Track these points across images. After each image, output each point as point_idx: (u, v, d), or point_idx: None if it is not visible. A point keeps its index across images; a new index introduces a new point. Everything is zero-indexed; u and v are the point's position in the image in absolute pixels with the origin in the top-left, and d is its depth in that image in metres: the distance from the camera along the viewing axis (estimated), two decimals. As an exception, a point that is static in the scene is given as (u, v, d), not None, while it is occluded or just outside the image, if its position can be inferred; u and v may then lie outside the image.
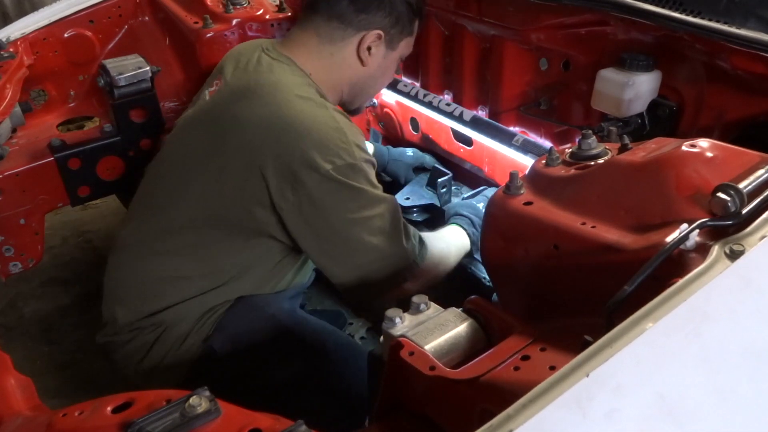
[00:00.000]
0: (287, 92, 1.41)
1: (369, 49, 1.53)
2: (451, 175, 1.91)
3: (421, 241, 1.45)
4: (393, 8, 1.52)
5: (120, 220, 2.20)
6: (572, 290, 1.00)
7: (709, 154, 0.95)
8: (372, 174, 1.41)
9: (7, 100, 1.71)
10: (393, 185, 2.04)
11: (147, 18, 2.32)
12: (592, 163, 1.05)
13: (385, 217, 1.38)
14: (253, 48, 1.58)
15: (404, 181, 2.03)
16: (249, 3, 2.10)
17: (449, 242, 1.58)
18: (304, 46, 1.53)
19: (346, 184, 1.34)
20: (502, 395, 0.78)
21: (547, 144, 1.72)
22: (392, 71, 1.68)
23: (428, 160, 2.06)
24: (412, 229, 1.45)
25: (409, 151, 2.09)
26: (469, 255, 1.63)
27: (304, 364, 1.42)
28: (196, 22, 2.06)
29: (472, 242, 1.63)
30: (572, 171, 1.06)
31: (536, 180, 1.10)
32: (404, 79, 2.12)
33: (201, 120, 1.53)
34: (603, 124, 1.46)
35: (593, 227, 0.96)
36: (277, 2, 2.09)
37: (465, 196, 1.88)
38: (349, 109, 1.65)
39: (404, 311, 1.01)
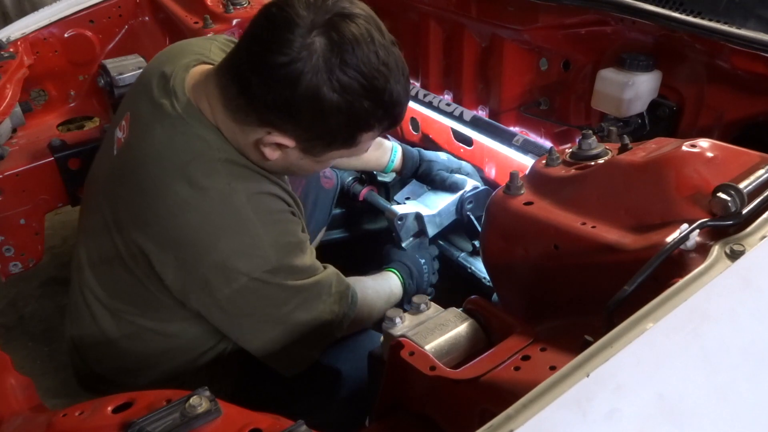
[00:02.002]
0: (182, 185, 1.13)
1: (279, 146, 1.15)
2: (480, 188, 1.75)
3: (353, 300, 1.32)
4: (323, 123, 1.10)
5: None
6: (572, 290, 1.00)
7: (709, 154, 0.95)
8: (298, 248, 1.22)
9: (7, 100, 1.71)
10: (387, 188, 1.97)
11: (147, 18, 2.32)
12: (592, 163, 1.05)
13: (315, 298, 1.24)
14: (163, 75, 1.23)
15: (435, 185, 1.83)
16: (249, 3, 2.10)
17: (379, 293, 1.46)
18: (215, 106, 1.17)
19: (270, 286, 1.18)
20: (503, 395, 0.78)
21: (547, 144, 1.72)
22: (321, 166, 1.28)
23: (466, 167, 1.81)
24: (346, 287, 1.31)
25: (443, 155, 1.86)
26: (398, 304, 1.54)
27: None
28: (196, 22, 2.06)
29: (406, 293, 1.54)
30: (572, 171, 1.06)
31: (536, 180, 1.10)
32: (404, 79, 2.12)
33: (110, 178, 1.28)
34: (603, 124, 1.46)
35: (593, 227, 0.96)
36: (277, 2, 2.09)
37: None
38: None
39: (404, 311, 1.01)
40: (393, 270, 1.57)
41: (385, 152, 1.78)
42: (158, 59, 1.34)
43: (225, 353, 1.37)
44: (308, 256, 1.26)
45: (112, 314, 1.31)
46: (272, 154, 1.16)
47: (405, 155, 1.81)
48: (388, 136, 2.12)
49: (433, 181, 1.80)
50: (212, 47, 1.33)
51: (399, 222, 1.70)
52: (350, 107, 1.08)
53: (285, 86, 1.05)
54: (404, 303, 1.55)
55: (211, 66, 1.24)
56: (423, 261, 1.65)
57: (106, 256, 1.28)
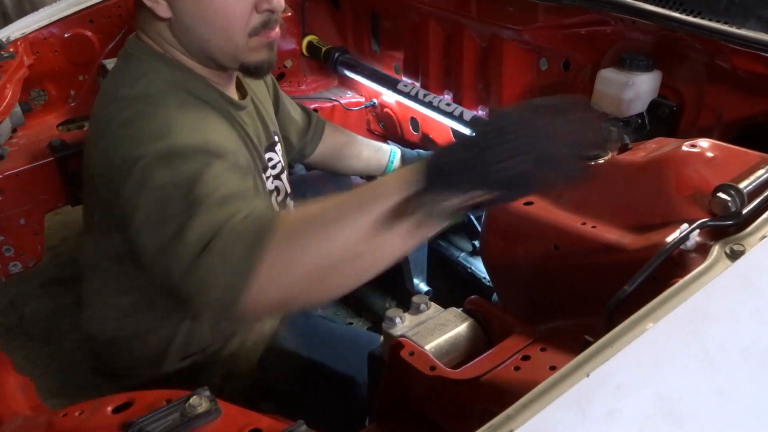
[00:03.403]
0: (114, 90, 1.16)
1: None
2: None
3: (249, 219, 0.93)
4: None
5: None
6: (572, 290, 1.00)
7: (709, 154, 0.95)
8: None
9: (7, 100, 1.71)
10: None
11: (147, 18, 2.31)
12: (593, 163, 1.05)
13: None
14: None
15: None
16: (249, 3, 2.10)
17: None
18: (138, 26, 1.22)
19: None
20: (503, 395, 0.78)
21: (547, 144, 1.72)
22: (230, 5, 1.11)
23: None
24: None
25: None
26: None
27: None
28: (196, 22, 2.06)
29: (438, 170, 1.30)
30: (572, 171, 1.06)
31: (536, 180, 1.10)
32: (404, 79, 2.12)
33: None
34: (603, 124, 1.46)
35: (593, 227, 0.96)
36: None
37: None
38: (234, 69, 1.23)
39: (404, 311, 1.01)
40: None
41: (384, 155, 1.79)
42: None
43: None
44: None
45: (127, 307, 1.30)
46: (158, 7, 1.12)
47: (404, 158, 1.81)
48: (389, 141, 2.11)
49: None
50: None
51: None
52: None
53: None
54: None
55: None
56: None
57: (107, 248, 1.25)
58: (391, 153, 1.79)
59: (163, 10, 1.13)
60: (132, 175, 1.01)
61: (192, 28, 1.14)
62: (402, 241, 0.82)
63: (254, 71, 1.22)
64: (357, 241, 0.82)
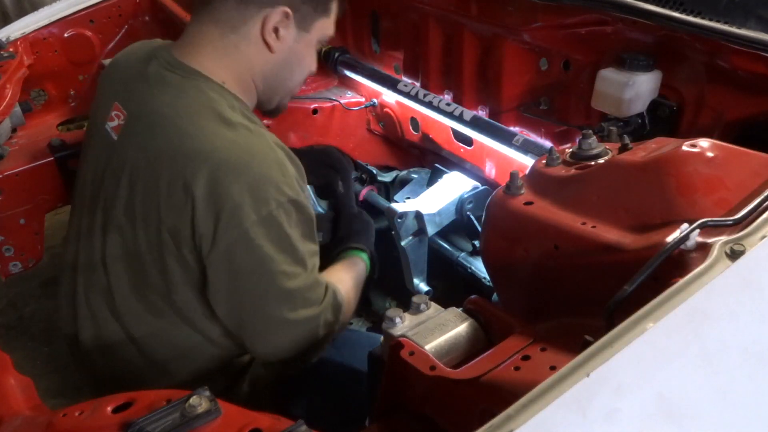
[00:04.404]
0: (210, 121, 1.19)
1: (276, 30, 1.27)
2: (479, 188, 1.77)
3: (335, 297, 1.31)
4: None
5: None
6: (572, 290, 1.00)
7: (709, 154, 0.95)
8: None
9: (7, 100, 1.72)
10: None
11: (147, 18, 2.33)
12: (593, 163, 1.05)
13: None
14: (144, 59, 1.30)
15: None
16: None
17: (356, 289, 1.46)
18: (207, 46, 1.26)
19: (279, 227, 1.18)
20: (503, 395, 0.78)
21: (547, 144, 1.72)
22: (311, 59, 1.39)
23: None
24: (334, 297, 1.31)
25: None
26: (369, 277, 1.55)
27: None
28: (196, 22, 2.06)
29: (374, 263, 1.56)
30: (572, 171, 1.06)
31: (536, 180, 1.10)
32: (404, 79, 2.12)
33: (114, 169, 1.28)
34: (603, 124, 1.46)
35: (593, 227, 0.96)
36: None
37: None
38: (267, 109, 1.43)
39: (404, 311, 1.01)
40: (356, 252, 1.54)
41: None
42: (122, 56, 1.42)
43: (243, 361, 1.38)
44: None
45: (126, 316, 1.30)
46: (275, 43, 1.27)
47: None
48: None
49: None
50: (157, 41, 1.40)
51: (399, 220, 1.70)
52: None
53: None
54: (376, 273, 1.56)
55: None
56: (369, 220, 1.64)
57: (132, 247, 1.26)
58: None
59: (277, 47, 1.29)
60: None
61: (286, 67, 1.35)
62: None
63: (276, 113, 1.47)
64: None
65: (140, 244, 1.24)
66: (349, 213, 1.65)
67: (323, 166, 1.79)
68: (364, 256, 1.54)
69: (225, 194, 1.13)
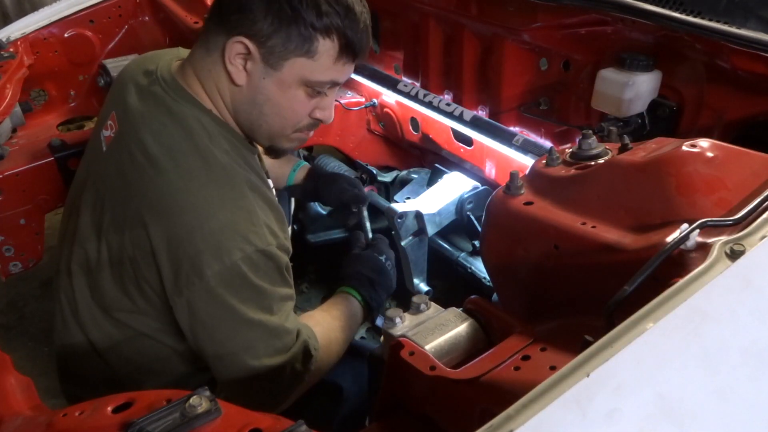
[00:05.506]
0: (189, 157, 1.15)
1: (245, 62, 1.16)
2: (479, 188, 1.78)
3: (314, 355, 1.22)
4: (274, 10, 1.11)
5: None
6: (572, 290, 1.00)
7: (709, 154, 0.95)
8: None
9: (7, 100, 1.71)
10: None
11: (147, 18, 2.32)
12: (593, 163, 1.05)
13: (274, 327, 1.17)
14: (148, 73, 1.26)
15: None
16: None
17: (338, 333, 1.32)
18: (195, 66, 1.22)
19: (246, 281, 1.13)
20: (503, 395, 0.78)
21: (547, 144, 1.72)
22: (294, 103, 1.21)
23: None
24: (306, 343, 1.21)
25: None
26: (371, 323, 1.50)
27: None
28: (196, 22, 2.06)
29: (371, 308, 1.41)
30: (572, 171, 1.06)
31: (536, 180, 1.10)
32: (404, 79, 2.12)
33: (95, 180, 1.28)
34: (603, 124, 1.46)
35: (593, 227, 0.96)
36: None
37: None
38: (263, 146, 1.32)
39: (404, 311, 1.01)
40: (350, 290, 1.42)
41: (288, 166, 1.77)
42: (135, 63, 1.37)
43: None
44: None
45: (101, 321, 1.28)
46: (238, 74, 1.16)
47: (310, 173, 1.78)
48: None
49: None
50: (181, 51, 1.36)
51: (399, 220, 1.70)
52: None
53: None
54: (375, 318, 1.47)
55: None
56: (384, 257, 1.50)
57: (95, 259, 1.25)
58: (296, 163, 1.77)
59: (240, 79, 1.18)
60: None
61: (255, 105, 1.21)
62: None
63: (278, 154, 1.34)
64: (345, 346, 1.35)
65: (102, 262, 1.22)
66: (355, 253, 1.55)
67: (339, 201, 1.74)
68: (358, 295, 1.41)
69: (187, 243, 1.11)
